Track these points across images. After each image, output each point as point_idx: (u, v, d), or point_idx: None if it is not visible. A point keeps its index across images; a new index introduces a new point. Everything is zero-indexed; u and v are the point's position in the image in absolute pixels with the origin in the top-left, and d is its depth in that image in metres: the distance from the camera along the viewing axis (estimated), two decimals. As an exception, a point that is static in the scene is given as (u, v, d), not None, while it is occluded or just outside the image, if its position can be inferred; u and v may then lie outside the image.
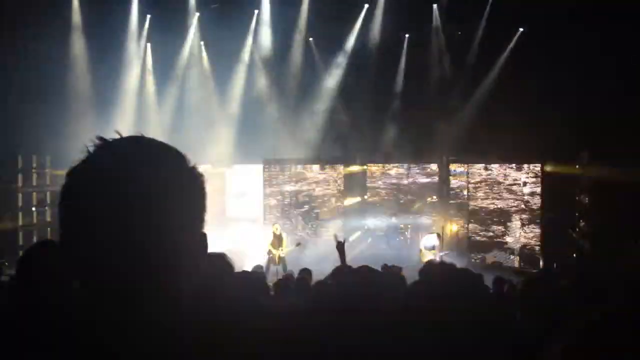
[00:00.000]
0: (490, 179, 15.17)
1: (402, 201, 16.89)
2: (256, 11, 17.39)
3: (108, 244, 0.96)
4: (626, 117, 11.98)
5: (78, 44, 15.85)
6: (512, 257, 14.71)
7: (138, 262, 0.97)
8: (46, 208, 15.46)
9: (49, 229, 15.16)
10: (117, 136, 1.05)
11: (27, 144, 14.39)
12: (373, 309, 2.29)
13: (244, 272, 3.99)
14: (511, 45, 15.94)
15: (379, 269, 6.16)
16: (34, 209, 15.39)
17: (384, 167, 17.10)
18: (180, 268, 1.03)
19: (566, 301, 3.29)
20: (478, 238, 15.21)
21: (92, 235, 0.97)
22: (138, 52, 17.06)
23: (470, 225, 15.33)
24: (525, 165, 14.55)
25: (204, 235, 1.06)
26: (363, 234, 16.55)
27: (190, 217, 1.04)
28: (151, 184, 0.99)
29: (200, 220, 1.06)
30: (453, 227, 15.86)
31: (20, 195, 15.26)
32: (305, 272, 7.59)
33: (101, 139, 1.03)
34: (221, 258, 2.74)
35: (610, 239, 11.87)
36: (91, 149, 1.02)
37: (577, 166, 13.95)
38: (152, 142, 1.06)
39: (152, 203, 0.98)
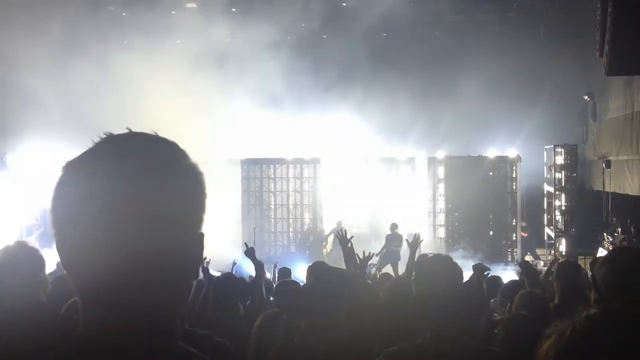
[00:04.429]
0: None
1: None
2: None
3: (101, 242, 0.93)
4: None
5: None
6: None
7: (136, 262, 0.94)
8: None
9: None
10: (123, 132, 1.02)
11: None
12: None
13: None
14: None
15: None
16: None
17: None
18: (180, 269, 1.01)
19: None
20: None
21: (84, 234, 0.94)
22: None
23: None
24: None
25: (202, 235, 1.04)
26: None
27: (191, 216, 1.02)
28: (151, 181, 0.96)
29: (200, 220, 1.04)
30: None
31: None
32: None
33: (106, 133, 1.00)
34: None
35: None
36: (93, 144, 1.00)
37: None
38: (154, 138, 1.03)
39: (151, 200, 0.95)
